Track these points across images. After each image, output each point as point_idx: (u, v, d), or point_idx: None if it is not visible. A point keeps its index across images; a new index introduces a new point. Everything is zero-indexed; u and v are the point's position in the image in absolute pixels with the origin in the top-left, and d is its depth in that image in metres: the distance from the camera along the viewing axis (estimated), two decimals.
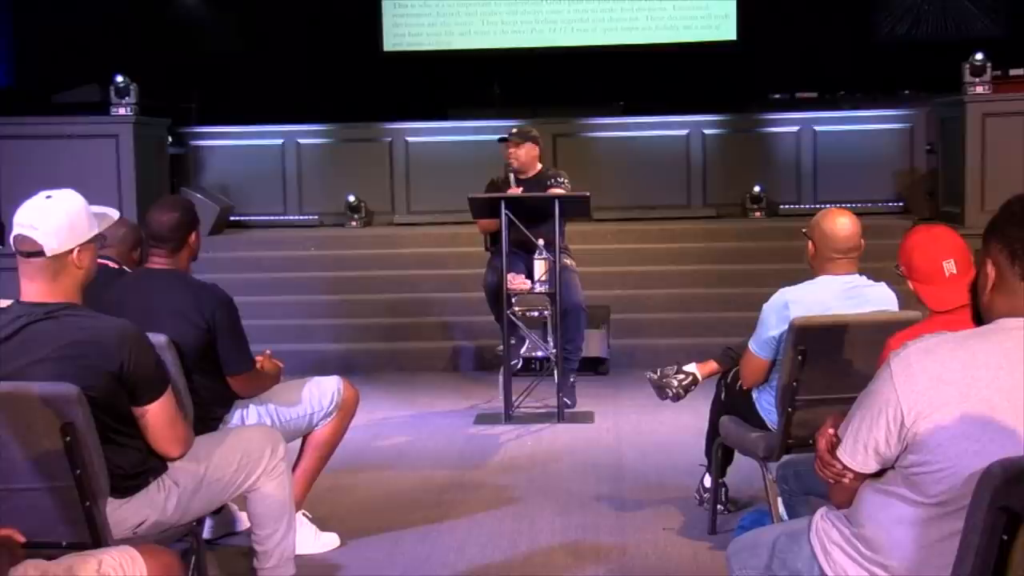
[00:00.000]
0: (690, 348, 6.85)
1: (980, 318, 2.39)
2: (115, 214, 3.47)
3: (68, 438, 2.96)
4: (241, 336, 4.19)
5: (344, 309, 9.10)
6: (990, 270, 2.33)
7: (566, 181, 7.10)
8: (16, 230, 3.17)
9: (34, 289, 3.18)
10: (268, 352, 4.46)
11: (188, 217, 4.20)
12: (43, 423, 2.98)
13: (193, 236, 4.21)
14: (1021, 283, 2.28)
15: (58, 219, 3.15)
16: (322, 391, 4.49)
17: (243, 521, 4.48)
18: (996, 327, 2.30)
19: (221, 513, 4.54)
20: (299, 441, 4.56)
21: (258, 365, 4.31)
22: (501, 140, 7.25)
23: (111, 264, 4.55)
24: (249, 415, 4.32)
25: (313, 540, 4.57)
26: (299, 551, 4.20)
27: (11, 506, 2.99)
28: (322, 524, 4.67)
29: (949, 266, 3.40)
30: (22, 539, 2.73)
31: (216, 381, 4.18)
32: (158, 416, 3.31)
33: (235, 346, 4.15)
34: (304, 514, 4.57)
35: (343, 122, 11.33)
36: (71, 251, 3.17)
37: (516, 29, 13.08)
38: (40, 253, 3.14)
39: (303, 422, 4.45)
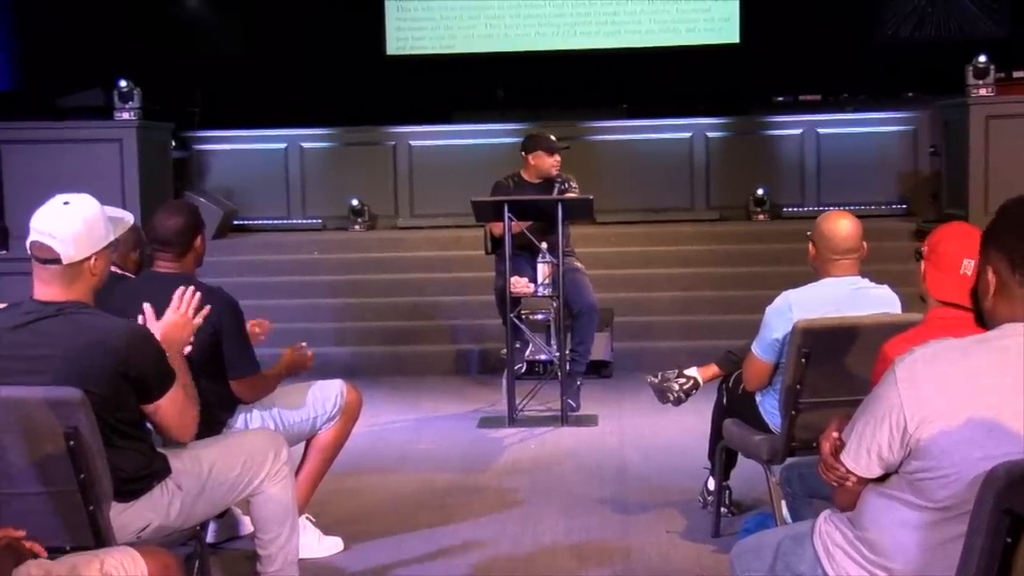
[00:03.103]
0: (694, 350, 6.85)
1: (983, 322, 2.39)
2: (130, 218, 3.51)
3: (71, 442, 2.97)
4: (246, 339, 4.23)
5: (348, 313, 9.11)
6: (991, 277, 2.33)
7: (576, 186, 7.13)
8: (33, 236, 3.17)
9: (49, 292, 3.21)
10: (303, 344, 4.55)
11: (194, 221, 4.25)
12: (47, 427, 2.98)
13: (199, 240, 4.25)
14: (1021, 290, 2.28)
15: (75, 226, 3.16)
16: (325, 395, 4.49)
17: (247, 525, 4.49)
18: (1000, 333, 2.30)
19: (224, 517, 4.54)
20: (302, 445, 4.56)
21: (284, 354, 4.42)
22: (547, 149, 7.13)
23: (113, 268, 4.55)
24: (253, 419, 4.32)
25: (317, 544, 4.57)
26: (303, 555, 4.21)
27: (15, 510, 3.00)
28: (326, 528, 4.67)
29: (967, 265, 3.39)
30: (22, 533, 2.73)
31: (220, 385, 4.18)
32: (169, 408, 3.33)
33: (240, 349, 4.18)
34: (308, 518, 4.57)
35: (346, 126, 11.33)
36: (88, 258, 3.20)
37: (519, 32, 13.08)
38: (57, 261, 3.16)
39: (306, 426, 4.45)
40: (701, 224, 10.34)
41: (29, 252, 3.21)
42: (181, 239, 4.17)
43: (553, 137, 7.28)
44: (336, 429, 4.52)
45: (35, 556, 2.76)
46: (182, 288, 3.57)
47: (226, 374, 4.19)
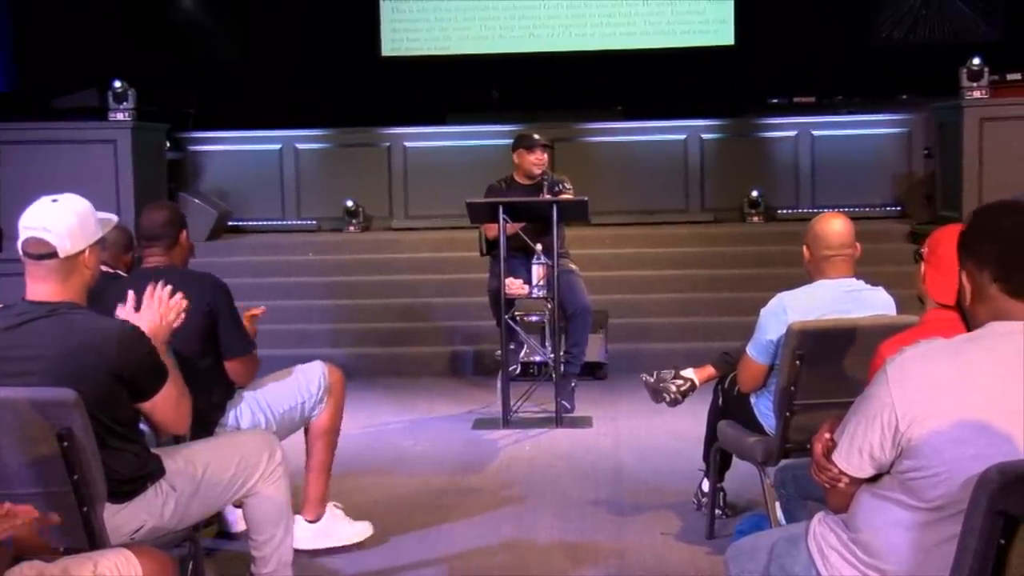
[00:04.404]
0: (689, 352, 6.85)
1: (969, 328, 2.42)
2: (114, 219, 3.51)
3: (65, 443, 2.96)
4: (239, 320, 4.31)
5: (342, 314, 9.11)
6: (966, 282, 2.39)
7: (571, 187, 7.12)
8: (26, 233, 3.19)
9: (43, 290, 3.21)
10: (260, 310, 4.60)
11: (177, 215, 4.40)
12: (40, 428, 2.98)
13: (184, 234, 4.38)
14: (994, 287, 2.31)
15: (68, 220, 3.20)
16: (309, 378, 4.54)
17: (239, 524, 4.49)
18: (988, 332, 2.32)
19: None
20: (300, 448, 4.59)
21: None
22: (526, 146, 7.16)
23: (105, 268, 4.56)
24: (243, 414, 4.34)
25: (348, 529, 4.66)
26: (336, 543, 4.52)
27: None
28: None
29: None
30: (25, 510, 2.68)
31: (215, 384, 4.21)
32: (165, 404, 3.35)
33: (235, 329, 4.26)
34: (335, 505, 4.67)
35: (341, 127, 11.33)
36: (82, 252, 3.23)
37: (514, 34, 13.09)
38: (53, 255, 3.17)
39: (296, 412, 4.48)
40: (696, 226, 10.34)
41: (21, 252, 3.22)
42: (168, 231, 4.29)
43: (536, 136, 7.26)
44: (328, 412, 4.57)
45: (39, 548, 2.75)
46: (151, 287, 3.55)
47: (222, 357, 4.24)
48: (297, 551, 4.52)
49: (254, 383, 4.45)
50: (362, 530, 4.71)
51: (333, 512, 4.66)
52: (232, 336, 4.24)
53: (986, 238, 2.35)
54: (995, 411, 2.23)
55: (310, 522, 4.61)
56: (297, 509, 4.60)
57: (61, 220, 3.19)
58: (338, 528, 4.62)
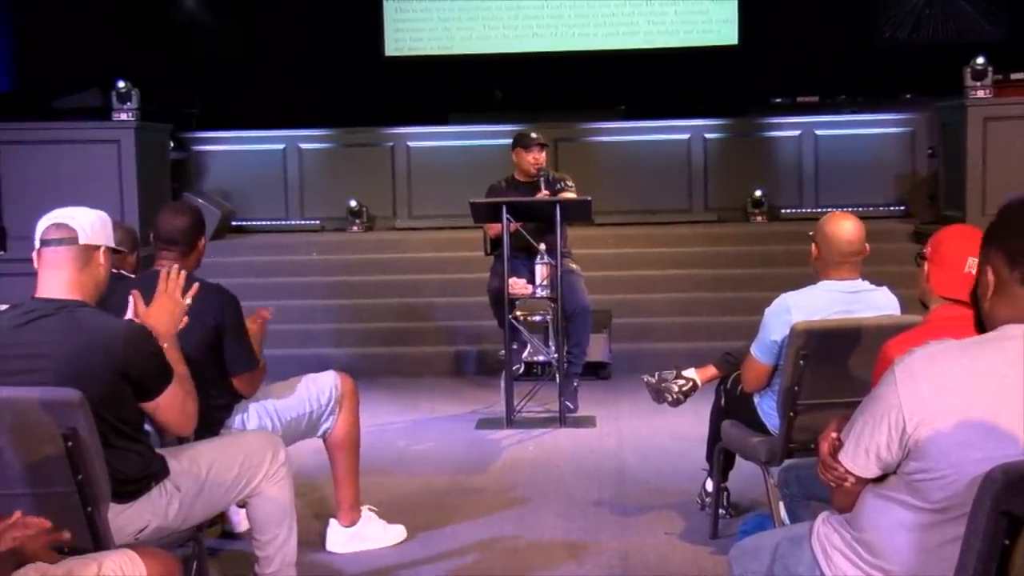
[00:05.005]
0: (692, 352, 6.85)
1: (983, 326, 2.39)
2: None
3: (70, 443, 2.96)
4: (246, 335, 4.27)
5: (346, 314, 9.11)
6: (990, 277, 2.33)
7: (572, 185, 7.12)
8: (49, 223, 3.29)
9: (56, 280, 3.25)
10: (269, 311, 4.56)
11: (199, 221, 4.36)
12: (45, 428, 2.98)
13: (202, 240, 4.35)
14: (1021, 289, 2.28)
15: (91, 217, 3.35)
16: (319, 388, 4.52)
17: (243, 523, 4.49)
18: (999, 334, 2.30)
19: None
20: (322, 454, 4.64)
21: (252, 332, 4.38)
22: (523, 145, 7.19)
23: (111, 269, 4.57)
24: (250, 418, 4.33)
25: (383, 533, 4.70)
26: (371, 546, 4.55)
27: (12, 512, 2.99)
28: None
29: (972, 263, 3.39)
30: (25, 523, 2.67)
31: (220, 387, 4.20)
32: (170, 404, 3.36)
33: (241, 346, 4.22)
34: (371, 509, 4.71)
35: (345, 127, 11.33)
36: (99, 247, 3.32)
37: (518, 34, 13.09)
38: (74, 240, 3.25)
39: (303, 420, 4.47)
40: (699, 226, 10.34)
41: (40, 243, 3.28)
42: (187, 238, 4.25)
43: (534, 135, 7.28)
44: (345, 421, 4.56)
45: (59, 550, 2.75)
46: (165, 270, 3.59)
47: (227, 372, 4.21)
48: (332, 554, 4.61)
49: (263, 389, 4.44)
50: (397, 534, 4.75)
51: (368, 516, 4.70)
52: (237, 352, 4.20)
53: (1018, 232, 2.29)
54: (1002, 414, 2.22)
55: (345, 527, 4.63)
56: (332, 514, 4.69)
57: (84, 214, 3.33)
58: (373, 532, 4.67)
